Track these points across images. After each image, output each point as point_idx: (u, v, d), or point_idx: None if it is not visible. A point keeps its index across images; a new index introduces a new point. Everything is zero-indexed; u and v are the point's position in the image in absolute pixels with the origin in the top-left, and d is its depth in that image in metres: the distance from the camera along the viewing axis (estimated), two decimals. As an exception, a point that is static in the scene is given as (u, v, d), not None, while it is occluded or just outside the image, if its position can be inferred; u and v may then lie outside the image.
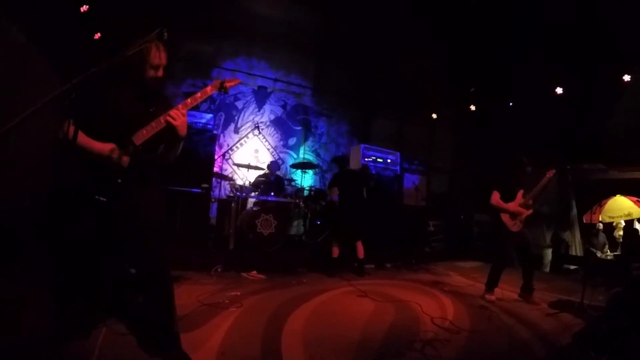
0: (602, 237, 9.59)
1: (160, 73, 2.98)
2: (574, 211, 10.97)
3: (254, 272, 6.48)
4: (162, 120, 2.84)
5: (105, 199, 2.75)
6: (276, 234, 7.59)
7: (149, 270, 2.97)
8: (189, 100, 2.95)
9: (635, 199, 8.96)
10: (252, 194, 8.25)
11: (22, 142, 5.19)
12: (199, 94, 3.02)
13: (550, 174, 5.92)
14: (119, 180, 2.80)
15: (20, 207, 5.64)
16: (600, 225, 9.46)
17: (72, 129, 2.39)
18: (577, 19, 8.53)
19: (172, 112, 2.82)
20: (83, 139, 2.68)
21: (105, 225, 2.88)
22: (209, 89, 3.06)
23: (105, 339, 3.22)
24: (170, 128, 2.85)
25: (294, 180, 9.94)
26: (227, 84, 3.13)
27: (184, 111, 2.89)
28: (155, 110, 2.92)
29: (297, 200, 9.31)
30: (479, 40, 10.30)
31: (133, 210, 2.89)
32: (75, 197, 2.81)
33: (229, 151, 10.35)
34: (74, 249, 2.89)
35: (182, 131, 2.90)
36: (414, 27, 10.36)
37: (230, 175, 9.51)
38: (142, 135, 2.84)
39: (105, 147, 2.77)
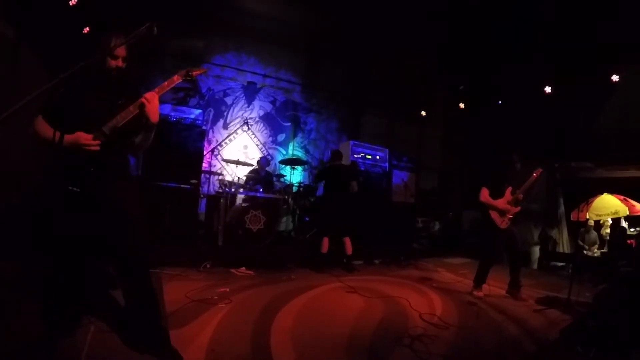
0: (593, 235, 9.70)
1: (120, 63, 3.02)
2: (562, 209, 11.09)
3: (243, 268, 6.47)
4: (132, 109, 2.88)
5: (78, 190, 2.75)
6: (265, 230, 7.56)
7: (129, 263, 2.95)
8: (156, 89, 3.00)
9: (622, 197, 9.07)
10: (241, 189, 8.21)
11: (11, 138, 5.14)
12: (165, 83, 3.10)
13: (537, 172, 5.97)
14: (92, 169, 2.82)
15: (10, 204, 5.59)
16: (592, 222, 9.55)
17: (43, 124, 2.41)
18: (566, 18, 8.59)
19: (147, 95, 2.89)
20: (52, 133, 2.68)
21: (84, 218, 2.86)
22: (175, 77, 3.16)
23: (95, 336, 3.20)
24: (142, 113, 2.90)
25: (283, 177, 9.92)
26: (193, 72, 3.22)
27: (155, 95, 2.94)
28: (123, 102, 2.95)
29: (286, 197, 9.29)
30: (469, 39, 10.34)
31: (110, 202, 2.90)
32: (56, 191, 2.80)
33: (218, 147, 10.30)
34: (57, 244, 2.87)
35: (154, 117, 2.96)
36: (404, 26, 10.38)
37: (219, 171, 9.47)
38: (112, 125, 2.86)
39: (75, 136, 2.77)
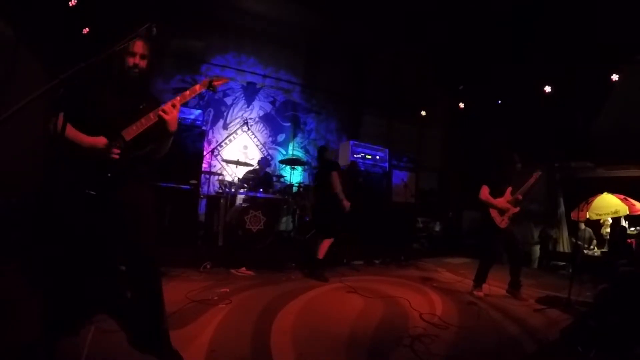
0: (587, 233, 9.72)
1: (139, 61, 2.97)
2: (562, 208, 11.07)
3: (243, 268, 6.47)
4: (152, 116, 2.85)
5: (95, 193, 2.74)
6: (265, 231, 7.55)
7: (138, 266, 2.95)
8: (178, 97, 2.95)
9: (622, 196, 9.05)
10: (241, 190, 8.21)
11: (11, 138, 5.14)
12: (187, 92, 3.02)
13: (536, 175, 5.97)
14: (109, 175, 2.79)
15: (10, 204, 5.59)
16: (582, 225, 9.58)
17: (61, 123, 2.40)
18: (566, 17, 8.59)
19: (165, 107, 2.84)
20: (72, 132, 2.68)
21: (95, 220, 2.86)
22: (197, 87, 3.08)
23: (95, 337, 3.19)
24: (161, 123, 2.86)
25: (283, 177, 9.92)
26: (216, 83, 3.15)
27: (176, 106, 2.90)
28: (145, 107, 2.93)
29: (286, 197, 9.29)
30: (468, 39, 10.34)
31: (123, 204, 2.89)
32: (65, 191, 2.80)
33: (218, 147, 10.30)
34: (64, 244, 2.87)
35: (173, 127, 2.92)
36: (404, 25, 10.39)
37: (219, 172, 9.47)
38: (132, 131, 2.84)
39: (95, 141, 2.76)
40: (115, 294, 3.90)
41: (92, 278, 3.34)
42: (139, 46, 2.93)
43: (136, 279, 2.98)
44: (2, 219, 5.25)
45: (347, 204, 6.69)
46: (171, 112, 2.86)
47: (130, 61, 2.93)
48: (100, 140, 2.77)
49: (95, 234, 2.94)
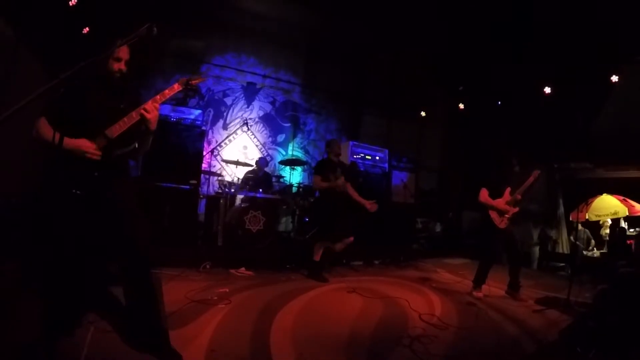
0: (584, 233, 9.74)
1: (123, 66, 3.08)
2: (561, 209, 11.07)
3: (243, 268, 6.47)
4: (134, 115, 2.92)
5: (82, 193, 2.77)
6: (265, 231, 7.55)
7: (135, 264, 2.96)
8: (157, 96, 3.03)
9: (621, 197, 9.07)
10: (241, 190, 8.21)
11: (11, 138, 5.13)
12: (167, 91, 3.12)
13: (535, 175, 5.98)
14: (96, 174, 2.84)
15: (10, 203, 5.58)
16: (579, 226, 9.59)
17: (45, 126, 2.42)
18: (566, 18, 8.59)
19: (147, 106, 2.92)
20: (57, 136, 2.69)
21: (89, 219, 2.88)
22: (176, 86, 3.18)
23: (94, 337, 3.19)
24: (143, 122, 2.94)
25: (283, 177, 9.92)
26: (193, 81, 3.25)
27: (156, 106, 2.97)
28: (125, 107, 3.00)
29: (286, 197, 9.28)
30: (468, 39, 10.34)
31: (115, 203, 2.92)
32: (55, 192, 2.82)
33: (218, 147, 10.30)
34: (58, 245, 2.87)
35: (153, 125, 3.01)
36: (404, 26, 10.39)
37: (218, 172, 9.47)
38: (115, 130, 2.90)
39: (78, 143, 2.80)
40: (110, 293, 3.91)
41: (89, 278, 3.35)
42: (124, 52, 3.03)
43: (134, 279, 2.99)
44: (2, 219, 5.25)
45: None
46: (152, 111, 2.93)
47: (116, 66, 3.04)
48: (83, 142, 2.81)
49: (91, 234, 2.95)
